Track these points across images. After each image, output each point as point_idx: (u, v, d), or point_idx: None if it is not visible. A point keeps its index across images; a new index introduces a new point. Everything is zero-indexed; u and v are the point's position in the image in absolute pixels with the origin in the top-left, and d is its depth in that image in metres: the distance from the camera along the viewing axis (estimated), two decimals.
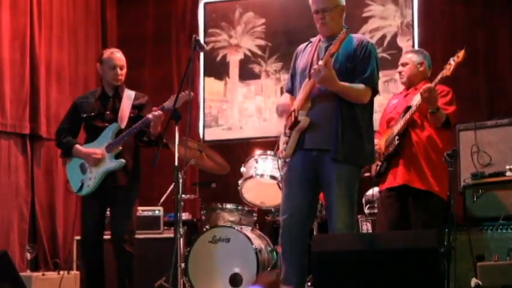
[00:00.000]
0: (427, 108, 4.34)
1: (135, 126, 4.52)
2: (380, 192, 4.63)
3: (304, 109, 3.84)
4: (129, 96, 4.71)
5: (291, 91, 4.08)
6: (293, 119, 3.87)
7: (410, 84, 4.63)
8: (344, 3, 3.98)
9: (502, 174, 4.94)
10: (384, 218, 4.50)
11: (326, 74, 3.66)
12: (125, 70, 4.72)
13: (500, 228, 4.75)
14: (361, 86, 3.79)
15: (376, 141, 4.51)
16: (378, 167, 4.53)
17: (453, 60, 4.17)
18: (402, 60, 4.68)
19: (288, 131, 3.93)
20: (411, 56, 4.65)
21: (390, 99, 4.89)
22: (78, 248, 5.51)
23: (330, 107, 3.78)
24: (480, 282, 4.12)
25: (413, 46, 6.41)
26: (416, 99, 4.41)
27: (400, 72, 4.66)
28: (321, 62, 3.70)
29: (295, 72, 4.04)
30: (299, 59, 4.04)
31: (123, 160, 4.55)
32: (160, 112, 4.44)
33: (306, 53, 4.01)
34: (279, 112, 4.08)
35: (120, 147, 4.57)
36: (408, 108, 4.44)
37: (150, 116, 4.46)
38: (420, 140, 4.42)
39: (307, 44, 4.06)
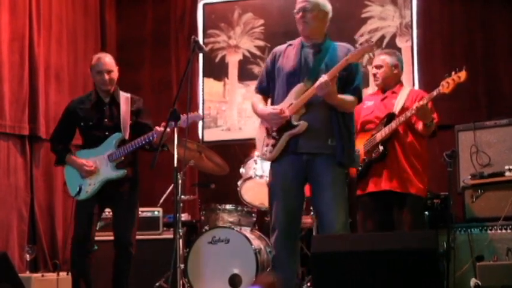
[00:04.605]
0: (423, 122, 4.36)
1: (140, 140, 4.53)
2: (360, 196, 4.61)
3: (298, 114, 3.90)
4: (125, 100, 4.70)
5: (265, 92, 4.14)
6: (284, 122, 3.92)
7: (385, 86, 4.64)
8: (328, 9, 4.06)
9: (501, 174, 4.95)
10: (369, 222, 4.51)
11: (331, 90, 3.78)
12: (113, 74, 4.70)
13: (500, 228, 4.75)
14: (352, 97, 3.94)
15: None
16: (359, 172, 4.55)
17: (452, 79, 4.17)
18: (376, 62, 4.68)
19: (274, 133, 3.96)
20: (385, 58, 4.65)
21: (364, 100, 4.87)
22: None
23: (326, 114, 3.90)
24: (479, 283, 4.13)
25: (412, 47, 6.42)
26: (399, 106, 4.47)
27: (374, 75, 4.67)
28: (326, 76, 3.78)
29: (276, 74, 4.07)
30: (280, 61, 4.07)
31: (125, 171, 4.59)
32: (162, 129, 4.34)
33: (289, 56, 4.05)
34: (272, 122, 4.00)
35: (123, 158, 4.60)
36: (391, 115, 4.45)
37: (155, 132, 4.46)
38: (403, 147, 4.46)
39: (287, 47, 4.12)
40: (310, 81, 3.89)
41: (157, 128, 4.47)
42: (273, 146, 3.96)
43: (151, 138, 4.49)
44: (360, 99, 4.02)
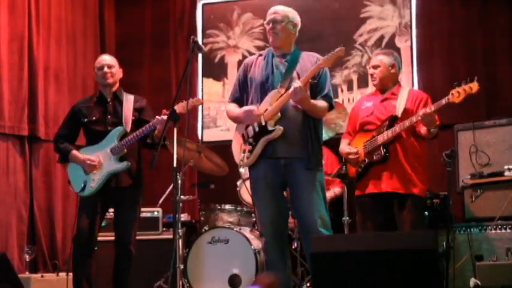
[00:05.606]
0: (427, 127, 4.33)
1: (142, 130, 4.53)
2: (359, 197, 4.61)
3: (273, 119, 3.99)
4: (129, 99, 4.73)
5: (238, 102, 4.21)
6: (259, 128, 4.00)
7: (382, 87, 4.62)
8: (297, 21, 4.19)
9: (501, 174, 4.96)
10: (369, 223, 4.51)
11: (304, 95, 3.90)
12: (114, 69, 4.74)
13: (499, 227, 4.76)
14: (324, 104, 4.06)
15: (345, 141, 4.62)
16: (358, 172, 4.55)
17: (464, 89, 4.11)
18: (373, 62, 4.65)
19: (251, 139, 4.05)
20: (382, 58, 4.61)
21: (361, 100, 4.85)
22: None
23: (299, 119, 4.01)
24: (479, 282, 4.13)
25: (411, 47, 6.42)
26: (400, 108, 4.45)
27: (371, 75, 4.65)
28: (299, 82, 3.90)
29: (248, 84, 4.17)
30: (252, 71, 4.17)
31: (128, 162, 4.58)
32: (165, 118, 4.35)
33: (260, 66, 4.17)
34: (247, 119, 4.08)
35: (125, 150, 4.59)
36: (393, 118, 4.42)
37: (157, 121, 4.47)
38: (405, 148, 4.44)
39: (258, 57, 4.25)
40: (283, 89, 4.00)
41: (158, 117, 4.48)
42: (250, 151, 4.05)
43: (153, 127, 4.50)
44: (331, 106, 4.11)
